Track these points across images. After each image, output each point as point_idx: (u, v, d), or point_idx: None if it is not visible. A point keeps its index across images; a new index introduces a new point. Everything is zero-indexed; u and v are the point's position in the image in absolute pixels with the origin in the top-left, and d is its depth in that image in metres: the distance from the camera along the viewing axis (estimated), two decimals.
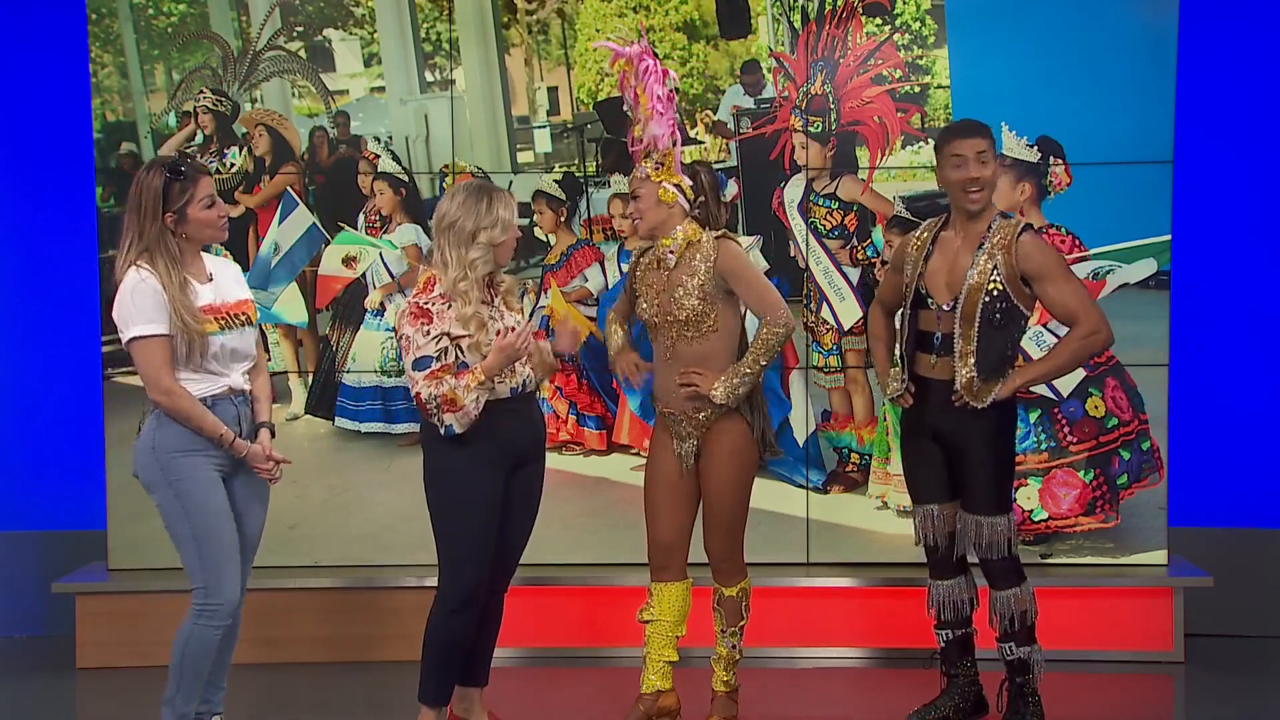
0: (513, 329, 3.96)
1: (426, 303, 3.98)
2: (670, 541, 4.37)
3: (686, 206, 4.30)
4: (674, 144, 4.28)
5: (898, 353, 4.48)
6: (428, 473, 4.12)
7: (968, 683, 4.49)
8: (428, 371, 3.92)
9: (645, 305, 4.34)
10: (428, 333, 3.94)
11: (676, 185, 4.27)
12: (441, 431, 3.95)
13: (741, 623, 4.43)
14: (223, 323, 3.91)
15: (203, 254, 4.01)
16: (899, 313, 4.43)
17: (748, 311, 4.37)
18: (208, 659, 3.92)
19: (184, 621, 3.91)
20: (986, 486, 4.29)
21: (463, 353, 3.98)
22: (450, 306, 3.98)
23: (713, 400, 4.23)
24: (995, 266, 4.18)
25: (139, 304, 3.79)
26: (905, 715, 4.48)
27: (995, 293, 4.19)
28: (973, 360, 4.21)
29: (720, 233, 4.32)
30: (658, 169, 4.27)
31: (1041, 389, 5.28)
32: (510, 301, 4.16)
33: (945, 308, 4.25)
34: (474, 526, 4.05)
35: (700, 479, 4.36)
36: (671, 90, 4.29)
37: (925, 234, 4.37)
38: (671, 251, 4.28)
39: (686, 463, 4.34)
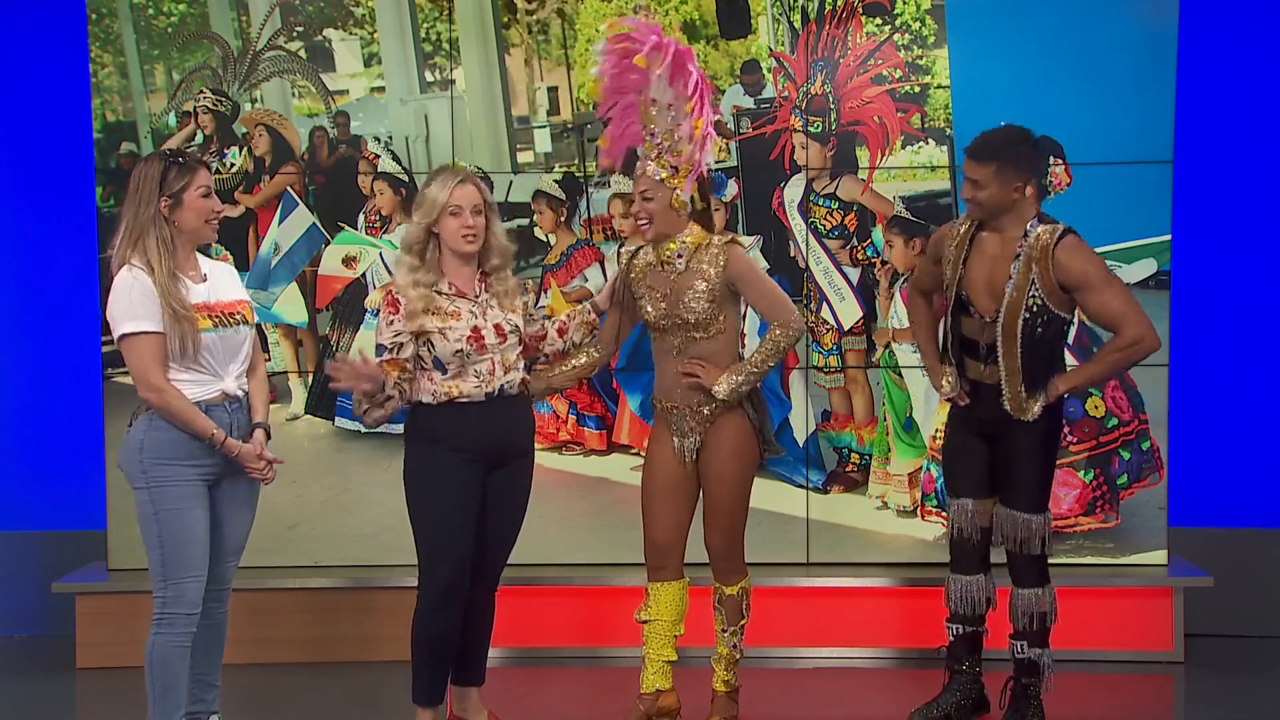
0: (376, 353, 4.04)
1: (399, 292, 4.05)
2: (668, 541, 4.36)
3: (690, 211, 4.31)
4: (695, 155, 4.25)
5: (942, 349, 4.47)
6: (404, 471, 4.14)
7: (970, 680, 4.49)
8: (379, 361, 4.00)
9: (650, 308, 4.32)
10: (390, 323, 4.01)
11: (687, 195, 4.25)
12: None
13: (742, 622, 4.43)
14: (216, 320, 3.89)
15: (198, 255, 4.00)
16: (942, 320, 4.41)
17: (747, 311, 4.37)
18: (175, 670, 3.87)
19: (149, 634, 3.88)
20: (1029, 484, 4.32)
21: (433, 347, 4.02)
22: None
23: (714, 395, 4.23)
24: (1033, 280, 4.15)
25: (130, 301, 3.78)
26: (907, 714, 4.48)
27: (1035, 308, 4.16)
28: (1019, 378, 4.20)
29: (729, 237, 4.32)
30: (673, 174, 4.23)
31: None
32: (505, 302, 4.13)
33: (988, 319, 4.23)
34: (447, 524, 4.05)
35: (701, 476, 4.36)
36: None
37: (965, 228, 4.31)
38: (680, 255, 4.26)
39: (688, 458, 4.34)
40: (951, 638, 4.49)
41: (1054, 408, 4.30)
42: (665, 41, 4.14)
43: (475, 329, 4.02)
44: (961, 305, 4.30)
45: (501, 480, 4.15)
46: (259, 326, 4.13)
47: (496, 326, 4.07)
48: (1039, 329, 4.18)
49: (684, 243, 4.27)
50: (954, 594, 4.46)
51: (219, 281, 3.99)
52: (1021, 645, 4.36)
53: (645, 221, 4.26)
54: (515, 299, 4.17)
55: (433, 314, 4.01)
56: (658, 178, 4.22)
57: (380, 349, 4.02)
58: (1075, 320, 4.36)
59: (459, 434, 4.03)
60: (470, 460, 4.06)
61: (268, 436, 4.03)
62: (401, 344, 4.00)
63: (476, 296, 4.08)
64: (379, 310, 4.10)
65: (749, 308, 4.54)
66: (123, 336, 3.80)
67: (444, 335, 3.99)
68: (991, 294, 4.22)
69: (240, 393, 3.98)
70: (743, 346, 4.83)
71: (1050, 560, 5.35)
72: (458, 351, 4.00)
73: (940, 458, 4.97)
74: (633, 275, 4.38)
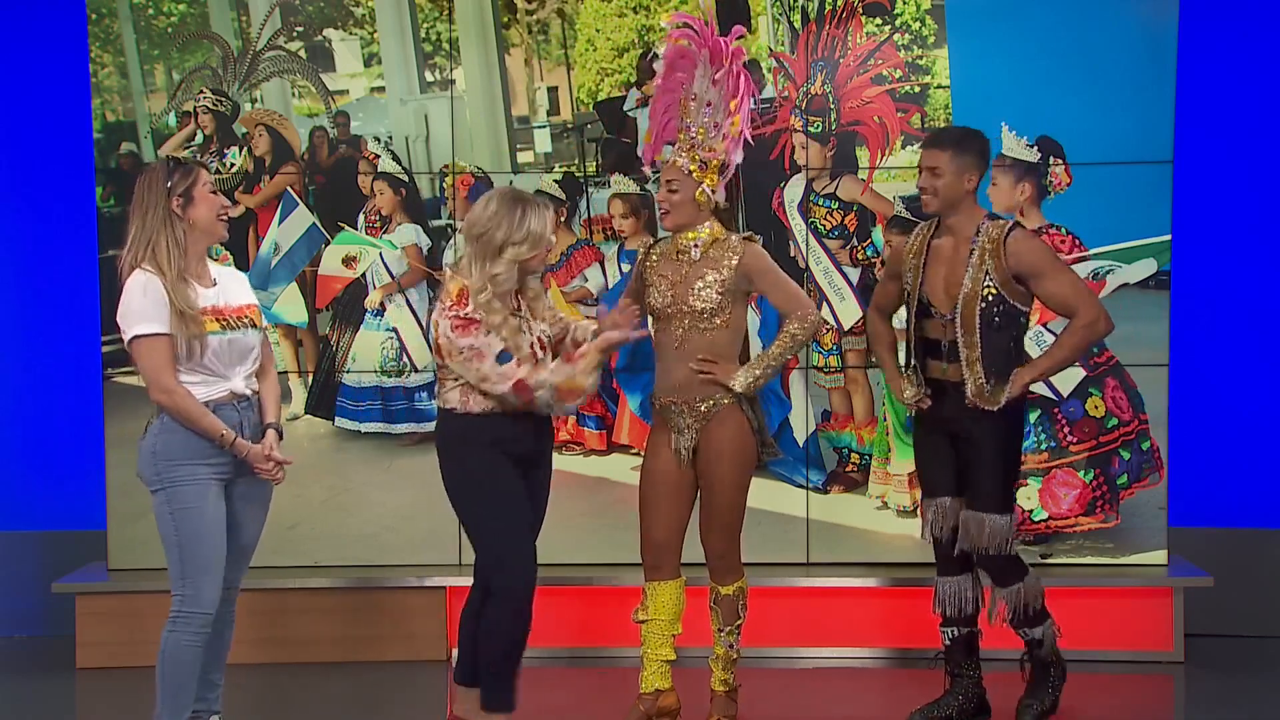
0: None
1: (466, 313, 3.94)
2: (665, 539, 4.37)
3: (712, 207, 4.36)
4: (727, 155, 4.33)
5: (903, 359, 4.52)
6: (453, 483, 4.09)
7: (972, 684, 4.50)
8: (514, 360, 3.92)
9: (657, 295, 4.35)
10: (487, 331, 3.92)
11: (713, 190, 4.31)
12: (559, 411, 4.09)
13: (739, 621, 4.44)
14: (224, 323, 3.92)
15: (207, 261, 4.03)
16: (904, 319, 4.47)
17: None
18: (187, 670, 3.89)
19: (164, 631, 3.90)
20: (993, 486, 4.33)
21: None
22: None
23: (731, 389, 4.25)
24: (987, 271, 4.24)
25: (141, 304, 3.81)
26: (907, 715, 4.48)
27: (990, 297, 4.24)
28: (979, 366, 4.26)
29: (747, 234, 4.39)
30: (701, 169, 4.29)
31: (1041, 389, 5.28)
32: (536, 309, 4.13)
33: (947, 316, 4.29)
34: (517, 525, 4.05)
35: (699, 475, 4.36)
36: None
37: (918, 240, 4.42)
38: (696, 245, 4.31)
39: (685, 456, 4.35)
40: (948, 642, 4.50)
41: (1016, 407, 4.34)
42: (723, 41, 4.24)
43: (532, 344, 4.03)
44: (923, 309, 4.36)
45: (531, 482, 4.16)
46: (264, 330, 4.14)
47: (539, 340, 4.07)
48: (996, 318, 4.25)
49: (701, 234, 4.32)
50: (943, 596, 4.48)
51: (228, 287, 4.03)
52: (1025, 630, 4.45)
53: (666, 210, 4.33)
54: (542, 305, 4.17)
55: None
56: (686, 170, 4.28)
57: (505, 355, 3.94)
58: (1034, 315, 4.45)
59: (509, 440, 4.02)
60: (517, 463, 4.07)
61: (279, 437, 4.05)
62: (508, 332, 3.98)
63: (516, 312, 4.07)
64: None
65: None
66: (134, 338, 3.83)
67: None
68: (949, 292, 4.30)
69: (249, 392, 4.01)
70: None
71: (1050, 560, 5.40)
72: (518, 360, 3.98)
73: None
74: (647, 265, 4.42)
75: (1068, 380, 5.32)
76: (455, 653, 4.34)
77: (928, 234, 4.40)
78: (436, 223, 5.63)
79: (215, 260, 4.17)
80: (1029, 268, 4.24)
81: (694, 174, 4.28)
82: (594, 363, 4.01)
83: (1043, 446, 5.38)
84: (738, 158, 4.32)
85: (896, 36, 5.43)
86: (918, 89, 5.47)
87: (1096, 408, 5.38)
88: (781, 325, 4.35)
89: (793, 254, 5.50)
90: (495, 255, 3.96)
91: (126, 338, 3.85)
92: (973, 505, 4.35)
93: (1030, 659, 4.51)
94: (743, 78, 4.25)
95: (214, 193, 3.94)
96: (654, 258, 4.42)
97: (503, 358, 3.92)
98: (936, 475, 4.44)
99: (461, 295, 3.97)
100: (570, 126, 5.73)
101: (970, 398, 4.27)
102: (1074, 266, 5.26)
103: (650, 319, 4.42)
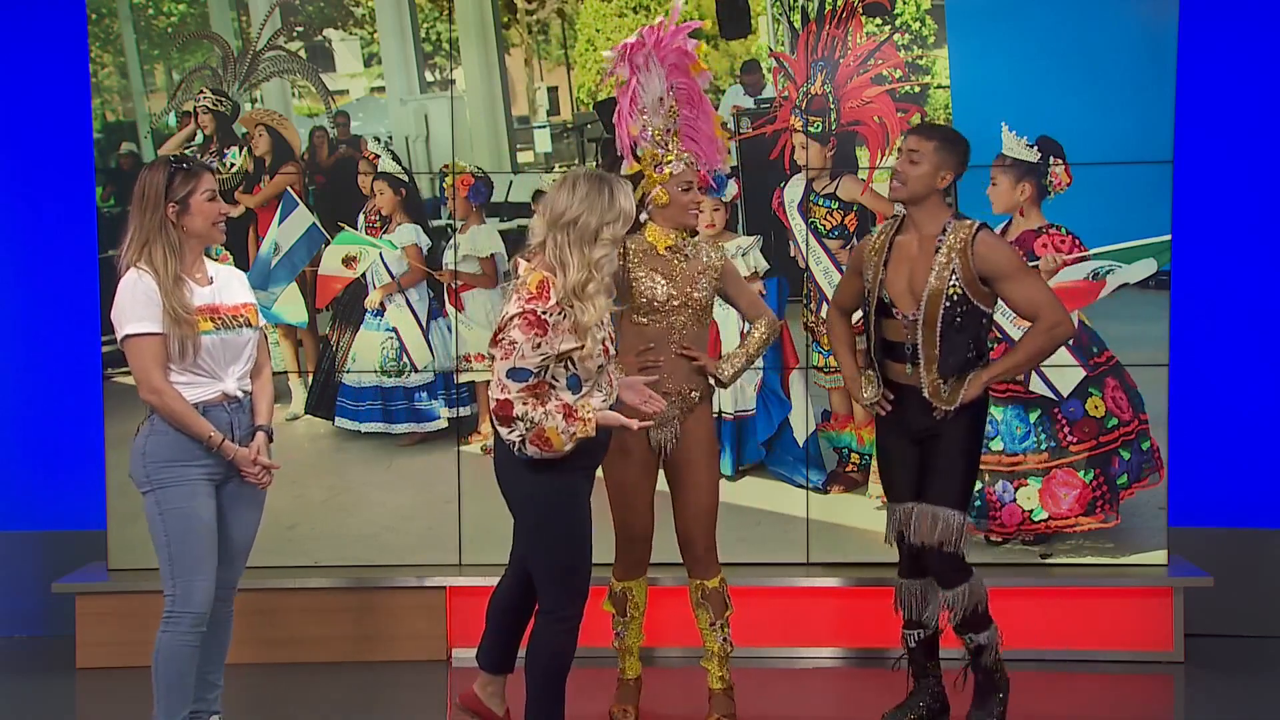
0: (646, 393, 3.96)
1: (545, 312, 3.64)
2: (648, 534, 4.46)
3: None
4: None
5: (861, 358, 4.53)
6: (539, 496, 3.82)
7: (935, 683, 4.51)
8: (524, 385, 3.63)
9: (657, 289, 4.34)
10: (537, 346, 3.62)
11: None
12: (514, 451, 3.72)
13: (728, 613, 4.50)
14: (218, 322, 3.92)
15: (205, 259, 4.03)
16: (862, 319, 4.45)
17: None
18: (180, 669, 3.89)
19: (158, 632, 3.91)
20: (951, 479, 4.27)
21: (573, 365, 3.72)
22: (565, 316, 3.68)
23: (719, 378, 4.39)
24: (954, 270, 4.19)
25: (133, 303, 3.82)
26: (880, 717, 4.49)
27: (955, 296, 4.20)
28: (935, 366, 4.23)
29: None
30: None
31: (1041, 388, 5.29)
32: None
33: (911, 317, 4.25)
34: (587, 548, 3.91)
35: (679, 470, 4.42)
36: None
37: (881, 237, 4.37)
38: (685, 243, 4.40)
39: (667, 448, 4.39)
40: (911, 645, 4.48)
41: (978, 406, 4.30)
42: (686, 49, 4.35)
43: (604, 339, 3.81)
44: (883, 308, 4.32)
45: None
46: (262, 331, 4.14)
47: (611, 335, 3.90)
48: (958, 319, 4.21)
49: (687, 234, 4.41)
50: (907, 599, 4.45)
51: (226, 285, 4.02)
52: (970, 636, 4.33)
53: (698, 211, 4.43)
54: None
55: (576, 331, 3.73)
56: (696, 170, 4.40)
57: (526, 373, 3.62)
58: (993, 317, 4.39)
59: (592, 452, 3.84)
60: (592, 471, 3.95)
61: (269, 439, 4.04)
62: (547, 367, 3.67)
63: None
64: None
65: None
66: (125, 338, 3.84)
67: (587, 350, 3.74)
68: (913, 292, 4.25)
69: (241, 394, 3.99)
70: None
71: (1050, 560, 5.40)
72: (600, 366, 3.79)
73: None
74: (629, 261, 4.39)
75: (1068, 380, 5.32)
76: (480, 640, 4.27)
77: (891, 232, 4.36)
78: (436, 223, 5.63)
79: (215, 259, 4.17)
80: (994, 269, 4.19)
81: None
82: (590, 432, 3.69)
83: (1043, 446, 5.38)
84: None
85: (896, 36, 5.43)
86: (918, 89, 5.46)
87: (1096, 408, 5.38)
88: (752, 328, 4.53)
89: (793, 254, 5.50)
90: (593, 240, 3.69)
91: (119, 337, 3.86)
92: (926, 498, 4.29)
93: (973, 667, 4.41)
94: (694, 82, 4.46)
95: (212, 199, 3.92)
96: (639, 254, 4.38)
97: (519, 374, 3.63)
98: (900, 479, 4.40)
99: (543, 288, 3.69)
100: (570, 126, 5.73)
101: (927, 396, 4.25)
102: (1074, 267, 5.28)
103: (634, 313, 4.40)
